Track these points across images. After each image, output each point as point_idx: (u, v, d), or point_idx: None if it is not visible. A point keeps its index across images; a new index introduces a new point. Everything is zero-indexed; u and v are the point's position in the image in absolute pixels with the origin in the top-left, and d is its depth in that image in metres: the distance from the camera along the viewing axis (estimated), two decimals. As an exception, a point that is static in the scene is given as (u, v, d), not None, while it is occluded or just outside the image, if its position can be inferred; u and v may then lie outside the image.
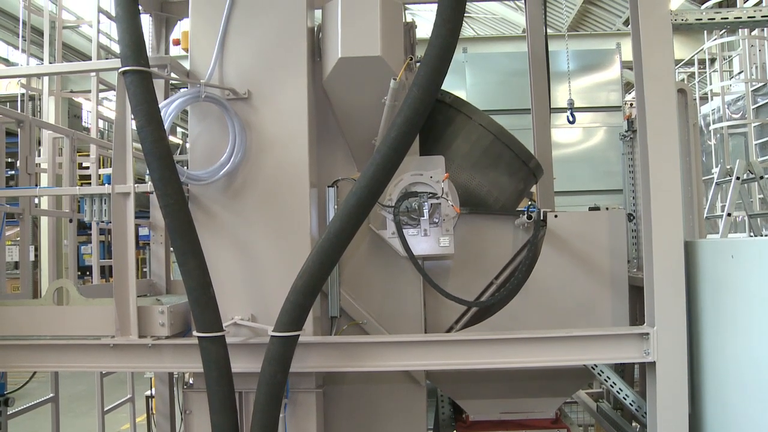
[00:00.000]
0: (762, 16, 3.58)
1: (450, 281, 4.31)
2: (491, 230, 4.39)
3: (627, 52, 11.64)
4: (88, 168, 7.90)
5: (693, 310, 3.66)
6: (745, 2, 12.44)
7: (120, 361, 3.80)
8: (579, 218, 4.31)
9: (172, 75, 4.03)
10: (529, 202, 4.22)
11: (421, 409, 4.33)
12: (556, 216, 4.25)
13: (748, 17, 3.64)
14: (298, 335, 3.44)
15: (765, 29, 11.96)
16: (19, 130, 5.02)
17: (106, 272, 9.81)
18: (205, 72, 3.87)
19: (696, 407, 3.68)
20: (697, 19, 3.72)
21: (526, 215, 4.19)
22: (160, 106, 3.49)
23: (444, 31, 3.27)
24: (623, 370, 5.12)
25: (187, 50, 4.05)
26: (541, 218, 4.18)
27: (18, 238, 5.20)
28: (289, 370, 3.47)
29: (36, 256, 7.73)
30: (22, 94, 9.27)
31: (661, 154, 3.62)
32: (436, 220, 4.00)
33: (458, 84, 11.00)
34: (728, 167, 8.39)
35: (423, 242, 3.99)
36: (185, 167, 3.85)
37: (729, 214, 7.71)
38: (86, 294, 4.04)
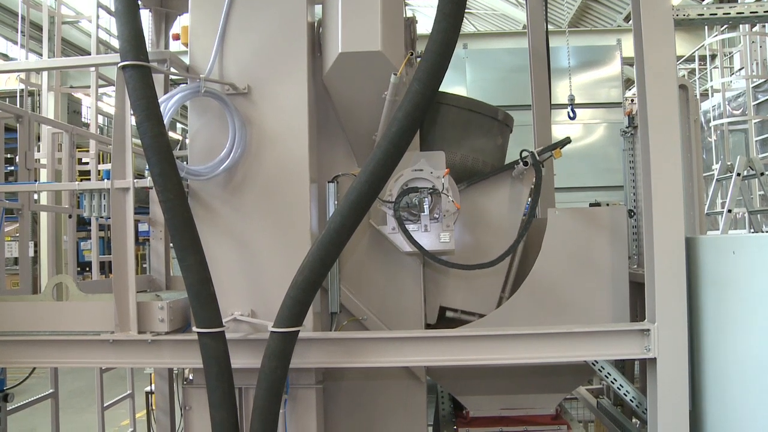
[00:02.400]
0: (764, 11, 3.57)
1: (475, 254, 4.27)
2: (493, 193, 4.41)
3: (627, 49, 11.65)
4: (87, 164, 7.89)
5: (694, 307, 3.66)
6: (746, -2, 12.41)
7: (119, 357, 3.80)
8: (580, 214, 4.29)
9: (172, 70, 4.02)
10: (525, 152, 4.24)
11: (421, 405, 4.32)
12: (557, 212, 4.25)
13: (751, 12, 3.63)
14: (298, 331, 3.43)
15: (766, 25, 11.93)
16: (18, 125, 5.01)
17: (105, 268, 9.81)
18: (205, 67, 3.85)
19: (696, 403, 3.67)
20: (698, 15, 3.71)
21: (521, 163, 4.22)
22: (159, 101, 3.47)
23: (445, 26, 3.26)
24: (624, 366, 5.11)
25: (186, 45, 4.03)
26: (537, 158, 4.19)
27: (17, 234, 5.19)
28: (289, 365, 3.47)
29: (36, 251, 7.73)
30: (21, 90, 9.25)
31: (662, 150, 3.61)
32: (437, 216, 3.99)
33: (458, 80, 11.00)
34: (729, 164, 8.38)
35: (423, 238, 3.97)
36: (185, 162, 3.84)
37: (729, 211, 7.69)
38: (86, 290, 4.03)
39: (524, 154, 4.22)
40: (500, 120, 4.61)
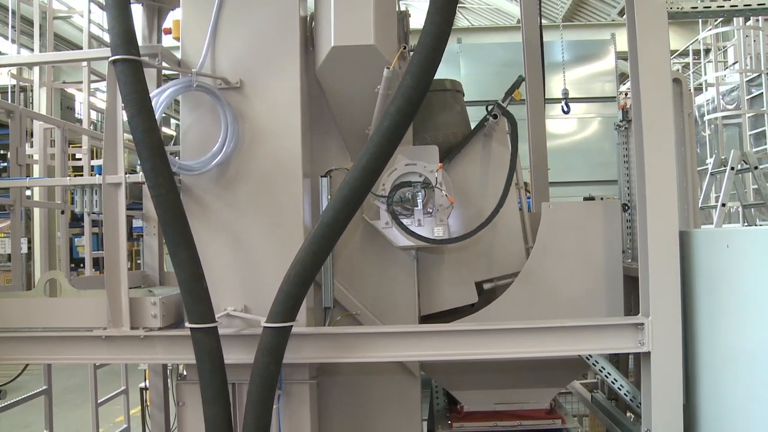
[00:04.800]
0: (758, 4, 3.56)
1: (476, 223, 4.25)
2: (472, 158, 4.42)
3: (622, 43, 11.65)
4: (80, 159, 7.86)
5: (688, 300, 3.65)
6: (740, -9, 12.39)
7: (112, 353, 3.78)
8: (574, 209, 4.29)
9: (164, 64, 3.99)
10: (490, 105, 4.33)
11: (415, 400, 4.32)
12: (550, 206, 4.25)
13: (744, 5, 3.62)
14: (291, 326, 3.42)
15: (759, 19, 11.94)
16: (9, 120, 4.97)
17: (99, 264, 9.77)
18: (197, 61, 3.82)
19: (690, 397, 3.68)
20: (692, 8, 3.70)
21: (490, 119, 4.27)
22: (151, 95, 3.45)
23: (437, 19, 3.24)
24: (618, 360, 5.12)
25: (178, 40, 4.00)
26: (504, 107, 4.27)
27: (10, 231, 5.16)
28: (283, 361, 3.46)
29: (29, 248, 7.70)
30: (13, 85, 9.20)
31: (656, 144, 3.60)
32: (430, 210, 3.98)
33: (452, 74, 10.93)
34: (723, 158, 8.40)
35: (417, 232, 3.96)
36: (177, 157, 3.82)
37: (723, 205, 7.72)
38: (79, 286, 4.01)
39: (490, 107, 4.27)
40: (450, 89, 4.66)
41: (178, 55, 3.98)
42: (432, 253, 4.30)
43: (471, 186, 4.39)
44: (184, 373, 4.12)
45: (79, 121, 14.32)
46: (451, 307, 4.35)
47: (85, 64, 7.71)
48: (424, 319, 4.34)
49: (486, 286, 4.35)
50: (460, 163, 4.39)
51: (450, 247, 4.27)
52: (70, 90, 15.38)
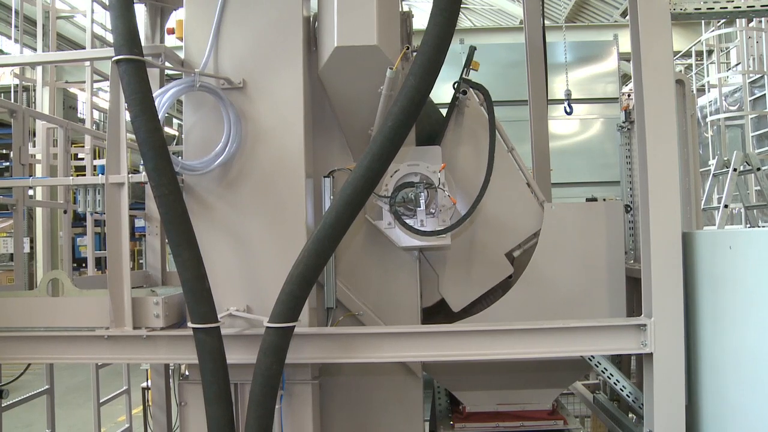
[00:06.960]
0: (761, 6, 3.56)
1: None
2: (455, 141, 4.41)
3: (624, 44, 11.63)
4: (83, 159, 7.87)
5: (690, 301, 3.65)
6: (742, -7, 12.39)
7: (114, 353, 3.78)
8: (576, 210, 4.29)
9: (167, 64, 4.00)
10: (456, 83, 4.38)
11: (417, 401, 4.32)
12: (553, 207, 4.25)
13: (748, 6, 3.61)
14: (294, 326, 3.42)
15: (763, 20, 11.94)
16: (12, 120, 4.98)
17: (102, 264, 9.78)
18: (200, 61, 3.82)
19: (693, 398, 3.68)
20: (696, 9, 3.70)
21: (460, 96, 4.30)
22: (154, 95, 3.45)
23: (441, 20, 3.24)
24: (620, 361, 5.11)
25: (181, 39, 4.01)
26: (469, 79, 4.33)
27: (13, 230, 5.17)
28: (285, 361, 3.46)
29: (32, 247, 7.72)
30: (16, 85, 9.21)
31: (659, 145, 3.60)
32: (433, 211, 3.98)
33: (455, 75, 10.95)
34: (725, 159, 8.38)
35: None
36: (180, 157, 3.82)
37: (726, 206, 7.70)
38: (81, 285, 4.01)
39: (456, 85, 4.33)
40: None
41: (181, 55, 3.98)
42: (441, 250, 4.29)
43: (462, 169, 4.37)
44: (186, 372, 4.13)
45: (82, 120, 14.34)
46: (491, 287, 4.35)
47: (87, 63, 7.71)
48: (464, 312, 4.35)
49: (515, 253, 4.36)
50: (445, 149, 4.35)
51: (469, 230, 4.27)
52: (73, 90, 15.41)
